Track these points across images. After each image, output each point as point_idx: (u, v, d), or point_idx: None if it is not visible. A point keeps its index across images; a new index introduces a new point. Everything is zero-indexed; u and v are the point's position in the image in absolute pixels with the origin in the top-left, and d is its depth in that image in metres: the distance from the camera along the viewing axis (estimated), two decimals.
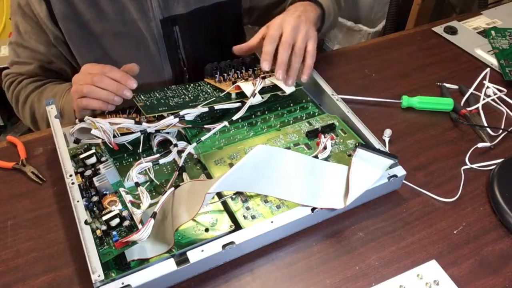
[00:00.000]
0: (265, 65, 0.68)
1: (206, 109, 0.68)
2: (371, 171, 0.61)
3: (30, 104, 0.82)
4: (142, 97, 0.68)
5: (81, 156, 0.63)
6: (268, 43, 0.68)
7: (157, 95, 0.70)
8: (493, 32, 0.99)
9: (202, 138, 0.66)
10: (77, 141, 0.66)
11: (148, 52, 0.81)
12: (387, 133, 0.73)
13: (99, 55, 0.79)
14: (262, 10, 0.91)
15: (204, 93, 0.72)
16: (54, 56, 0.81)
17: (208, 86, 0.74)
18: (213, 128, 0.67)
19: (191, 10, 0.80)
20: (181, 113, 0.66)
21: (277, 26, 0.69)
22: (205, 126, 0.67)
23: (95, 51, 0.79)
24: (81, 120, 0.64)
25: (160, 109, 0.66)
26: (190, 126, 0.67)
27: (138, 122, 0.64)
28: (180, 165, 0.64)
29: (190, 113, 0.67)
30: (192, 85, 0.74)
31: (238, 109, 0.69)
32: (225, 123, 0.67)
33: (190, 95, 0.71)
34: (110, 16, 0.76)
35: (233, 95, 0.71)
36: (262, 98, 0.71)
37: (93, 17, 0.75)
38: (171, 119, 0.65)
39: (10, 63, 0.85)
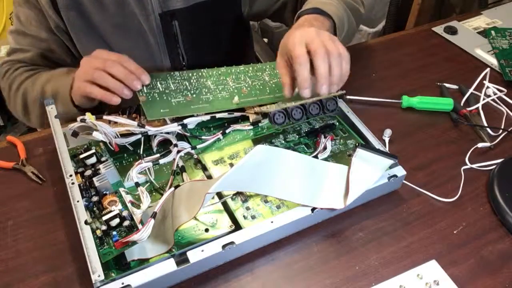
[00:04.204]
0: (307, 93, 0.61)
1: (208, 117, 0.69)
2: (371, 171, 0.61)
3: (23, 91, 0.79)
4: (145, 89, 0.68)
5: (81, 156, 0.63)
6: (301, 68, 0.59)
7: (159, 86, 0.70)
8: (493, 32, 0.99)
9: (198, 146, 0.67)
10: (75, 133, 0.64)
11: (147, 46, 0.81)
12: (387, 133, 0.73)
13: (100, 45, 0.79)
14: (263, 5, 0.90)
15: (205, 89, 0.72)
16: (56, 44, 0.80)
17: (210, 79, 0.74)
18: (209, 140, 0.68)
19: (190, 5, 0.79)
20: (184, 121, 0.67)
21: (299, 42, 0.60)
22: (203, 137, 0.68)
23: (96, 41, 0.79)
24: (82, 120, 0.64)
25: (161, 110, 0.66)
26: (189, 134, 0.68)
27: (141, 125, 0.64)
28: (174, 168, 0.64)
29: (192, 122, 0.68)
30: (195, 74, 0.74)
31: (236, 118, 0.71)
32: (219, 135, 0.68)
33: (192, 92, 0.71)
34: (110, 7, 0.76)
35: (234, 102, 0.71)
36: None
37: (94, 7, 0.75)
38: (174, 127, 0.66)
39: (9, 51, 0.83)
